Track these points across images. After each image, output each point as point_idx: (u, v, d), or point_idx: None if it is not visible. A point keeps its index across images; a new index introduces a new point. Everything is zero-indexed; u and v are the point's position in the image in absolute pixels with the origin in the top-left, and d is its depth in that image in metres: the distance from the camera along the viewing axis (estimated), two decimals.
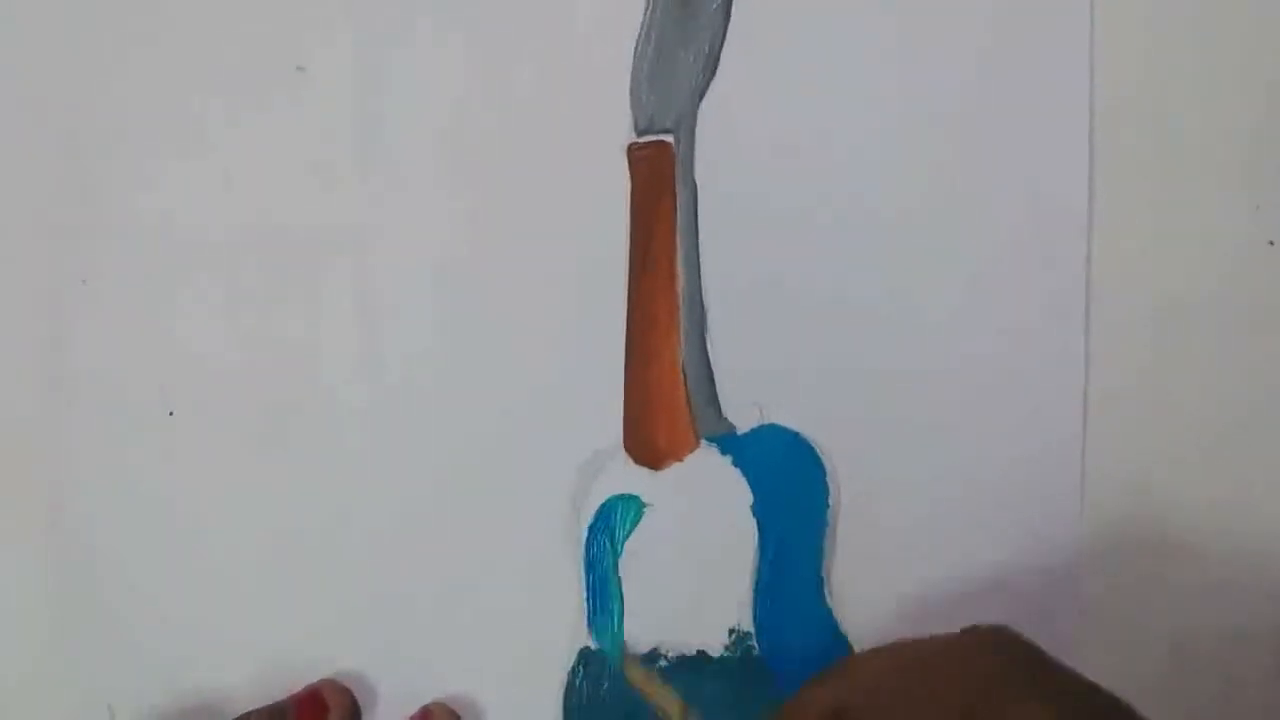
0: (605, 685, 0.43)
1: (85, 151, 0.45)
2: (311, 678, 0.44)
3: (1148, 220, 0.42)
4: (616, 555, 0.43)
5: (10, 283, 0.46)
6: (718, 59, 0.42)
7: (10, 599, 0.45)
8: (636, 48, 0.43)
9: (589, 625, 0.43)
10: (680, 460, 0.43)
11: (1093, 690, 0.31)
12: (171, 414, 0.45)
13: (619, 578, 0.43)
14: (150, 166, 0.45)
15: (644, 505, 0.43)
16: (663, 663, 0.43)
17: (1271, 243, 0.41)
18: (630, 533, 0.43)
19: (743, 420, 0.43)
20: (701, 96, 0.42)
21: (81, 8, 0.45)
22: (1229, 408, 0.41)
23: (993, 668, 0.32)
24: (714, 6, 0.42)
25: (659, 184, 0.43)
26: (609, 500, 0.43)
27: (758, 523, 0.42)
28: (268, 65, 0.44)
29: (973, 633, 0.35)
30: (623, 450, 0.43)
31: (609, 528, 0.43)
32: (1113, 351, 0.41)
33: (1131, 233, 0.42)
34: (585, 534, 0.43)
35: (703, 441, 0.43)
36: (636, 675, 0.42)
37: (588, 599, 0.43)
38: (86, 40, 0.45)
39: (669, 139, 0.42)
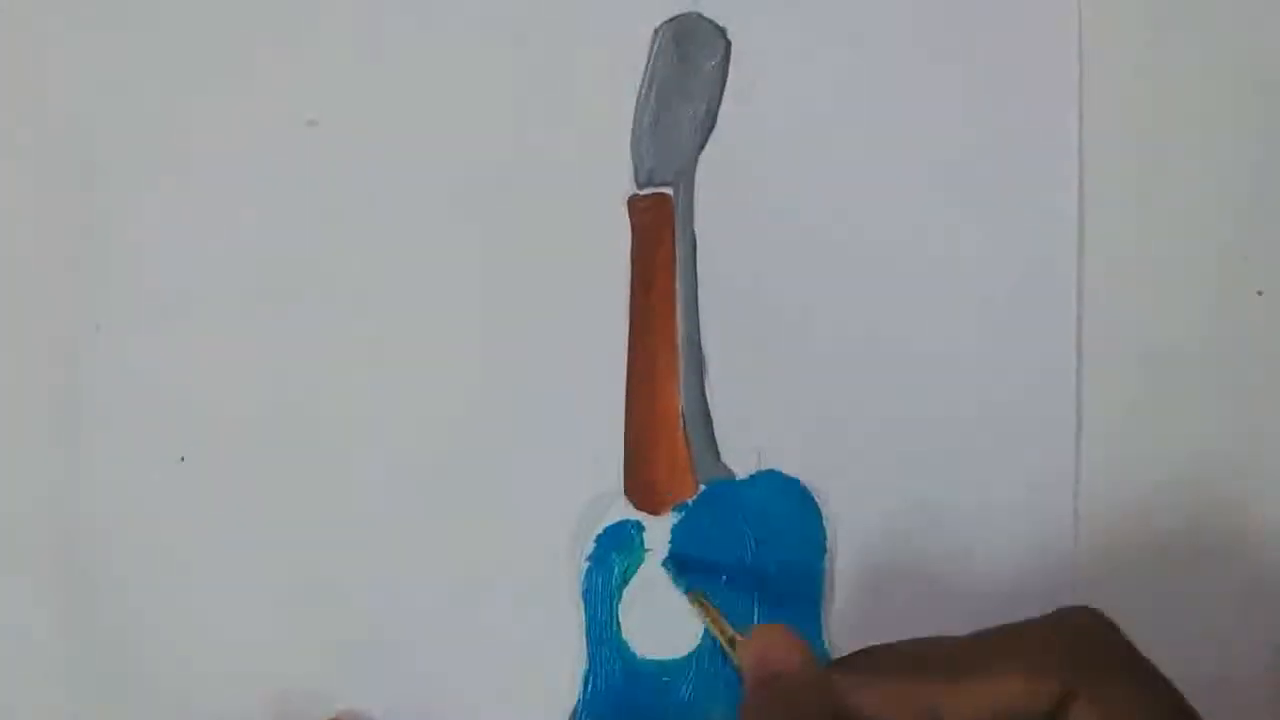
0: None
1: (99, 197, 0.46)
2: (317, 715, 0.44)
3: (1136, 269, 0.42)
4: (617, 598, 0.43)
5: (24, 328, 0.46)
6: (716, 113, 0.43)
7: (22, 638, 0.46)
8: (637, 102, 0.44)
9: (589, 664, 0.44)
10: None
11: (1171, 684, 0.31)
12: (183, 459, 0.45)
13: (619, 621, 0.43)
14: (164, 213, 0.46)
15: (644, 530, 0.43)
16: None
17: (1260, 292, 0.42)
18: (631, 576, 0.43)
19: (741, 466, 0.43)
20: (700, 150, 0.43)
21: (93, 55, 0.46)
22: (1218, 455, 0.42)
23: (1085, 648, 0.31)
24: (712, 63, 0.43)
25: (659, 235, 0.43)
26: (609, 528, 0.43)
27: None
28: (280, 117, 0.45)
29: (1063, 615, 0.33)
30: (623, 495, 0.43)
31: (608, 570, 0.43)
32: (1104, 398, 0.42)
33: (1121, 283, 0.42)
34: (584, 575, 0.44)
35: (701, 487, 0.43)
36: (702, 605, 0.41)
37: (589, 640, 0.44)
38: (98, 88, 0.46)
39: (669, 192, 0.43)
